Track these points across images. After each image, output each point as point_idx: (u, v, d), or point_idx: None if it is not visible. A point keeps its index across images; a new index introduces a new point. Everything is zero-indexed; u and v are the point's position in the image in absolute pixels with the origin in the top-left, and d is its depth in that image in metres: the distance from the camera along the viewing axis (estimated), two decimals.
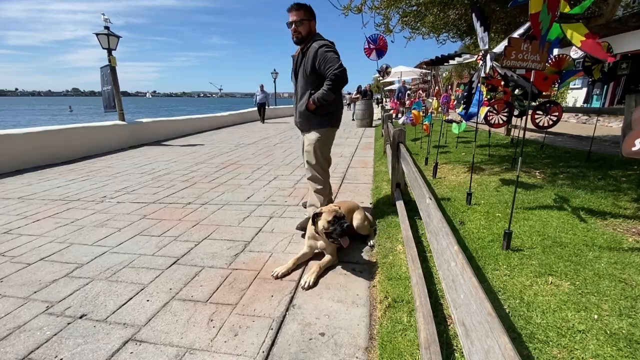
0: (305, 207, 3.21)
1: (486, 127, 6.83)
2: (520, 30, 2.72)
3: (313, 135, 2.73)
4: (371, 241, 2.54)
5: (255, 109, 15.27)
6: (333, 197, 3.70)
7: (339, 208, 2.21)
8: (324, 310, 1.78)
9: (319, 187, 2.81)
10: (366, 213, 2.71)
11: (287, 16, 2.60)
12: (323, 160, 2.80)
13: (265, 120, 15.25)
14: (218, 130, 11.88)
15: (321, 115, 2.68)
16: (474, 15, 2.94)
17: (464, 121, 4.70)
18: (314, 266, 2.13)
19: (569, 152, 5.27)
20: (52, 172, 5.41)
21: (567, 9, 2.26)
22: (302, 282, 2.00)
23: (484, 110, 4.41)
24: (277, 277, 2.09)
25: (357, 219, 2.53)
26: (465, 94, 3.22)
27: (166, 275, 2.16)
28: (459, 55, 3.17)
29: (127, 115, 8.47)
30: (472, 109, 3.74)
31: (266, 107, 15.09)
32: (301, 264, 2.27)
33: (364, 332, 1.61)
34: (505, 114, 4.31)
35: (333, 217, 2.11)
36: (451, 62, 3.15)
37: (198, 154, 6.81)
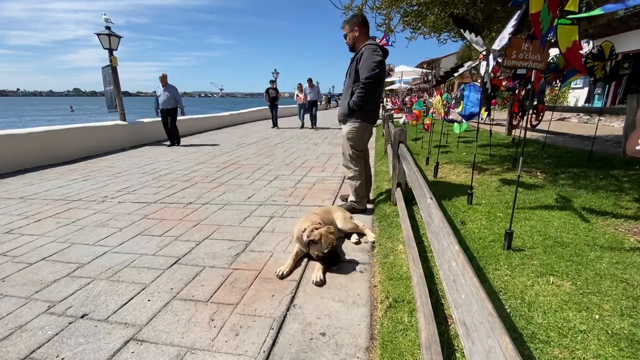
0: (342, 200, 3.54)
1: (487, 127, 6.83)
2: (513, 22, 2.70)
3: (347, 128, 3.13)
4: (359, 238, 2.60)
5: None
6: (334, 197, 3.71)
7: (319, 224, 2.25)
8: (325, 310, 1.78)
9: (350, 175, 3.21)
10: (344, 210, 2.82)
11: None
12: (353, 151, 3.19)
13: (267, 119, 13.64)
14: (219, 130, 11.89)
15: (357, 111, 3.03)
16: (458, 27, 2.99)
17: (464, 121, 4.70)
18: (316, 264, 2.14)
19: (571, 151, 5.25)
20: (53, 172, 5.43)
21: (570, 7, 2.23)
22: (312, 280, 2.02)
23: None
24: (282, 277, 2.11)
25: (339, 219, 2.63)
26: (482, 95, 3.25)
27: (167, 275, 2.16)
28: (461, 65, 3.21)
29: (131, 116, 8.49)
30: (474, 109, 3.73)
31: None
32: (299, 260, 2.31)
33: (364, 332, 1.61)
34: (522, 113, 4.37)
35: (324, 251, 2.12)
36: (459, 71, 3.18)
37: (199, 154, 6.81)
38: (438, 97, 5.08)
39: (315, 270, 2.09)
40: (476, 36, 2.89)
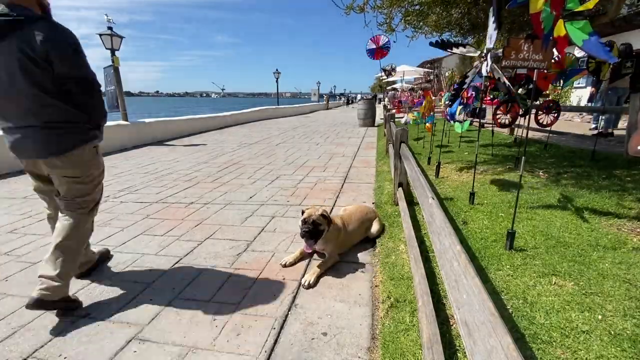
0: None
1: (489, 127, 6.80)
2: (492, 17, 2.69)
3: None
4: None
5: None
6: (335, 197, 3.71)
7: (317, 211, 2.19)
8: (327, 310, 1.78)
9: None
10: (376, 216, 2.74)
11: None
12: None
13: (268, 119, 13.66)
14: (220, 130, 11.91)
15: None
16: (491, 9, 2.88)
17: (467, 120, 4.69)
18: (315, 266, 2.14)
19: (573, 151, 5.23)
20: None
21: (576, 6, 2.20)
22: (303, 281, 2.01)
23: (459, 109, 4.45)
24: (284, 266, 2.20)
25: (374, 228, 2.62)
26: (456, 86, 3.21)
27: (169, 274, 2.17)
28: (464, 46, 3.12)
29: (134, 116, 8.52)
30: (452, 109, 3.72)
31: None
32: (306, 255, 2.32)
33: (366, 332, 1.61)
34: (512, 115, 4.32)
35: (302, 220, 2.18)
36: (455, 50, 3.10)
37: (200, 154, 6.83)
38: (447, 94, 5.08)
39: (309, 273, 2.09)
40: (464, 47, 2.90)
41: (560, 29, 2.18)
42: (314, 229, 2.12)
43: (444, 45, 3.06)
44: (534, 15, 1.87)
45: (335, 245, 2.26)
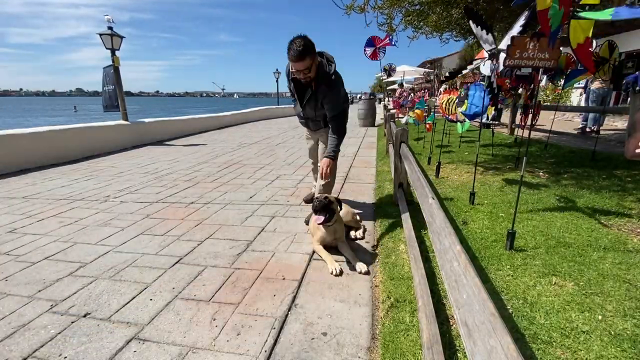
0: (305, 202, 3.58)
1: (490, 127, 6.79)
2: (521, 21, 2.67)
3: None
4: (358, 232, 2.68)
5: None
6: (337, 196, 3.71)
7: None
8: (326, 310, 1.78)
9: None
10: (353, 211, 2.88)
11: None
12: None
13: (268, 119, 13.81)
14: (220, 130, 11.91)
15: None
16: (470, 21, 2.89)
17: (467, 120, 4.68)
18: (327, 259, 2.22)
19: (574, 151, 5.23)
20: (56, 171, 5.45)
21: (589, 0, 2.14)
22: (331, 270, 2.12)
23: (490, 110, 4.39)
24: (336, 275, 2.11)
25: (342, 211, 2.68)
26: (489, 94, 3.27)
27: (169, 274, 2.17)
28: (470, 63, 3.16)
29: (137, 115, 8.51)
30: (477, 109, 3.71)
31: None
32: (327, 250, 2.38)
33: (366, 332, 1.61)
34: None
35: (315, 197, 2.39)
36: (464, 71, 3.15)
37: (200, 154, 6.83)
38: (447, 96, 5.01)
39: (329, 262, 2.17)
40: (487, 34, 2.81)
41: (579, 36, 2.09)
42: (327, 204, 2.26)
43: (456, 73, 3.25)
44: (541, 12, 1.85)
45: (343, 232, 2.43)
